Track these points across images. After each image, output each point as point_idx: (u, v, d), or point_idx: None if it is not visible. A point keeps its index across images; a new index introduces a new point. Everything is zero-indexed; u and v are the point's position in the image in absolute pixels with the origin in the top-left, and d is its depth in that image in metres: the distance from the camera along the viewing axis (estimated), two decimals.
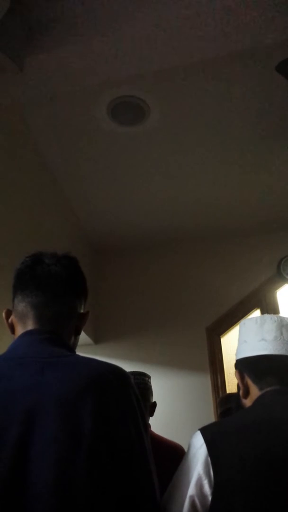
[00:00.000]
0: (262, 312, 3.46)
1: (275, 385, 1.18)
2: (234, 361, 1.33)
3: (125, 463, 0.89)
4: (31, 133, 2.57)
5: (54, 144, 2.67)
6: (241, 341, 1.31)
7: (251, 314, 3.52)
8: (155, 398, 2.05)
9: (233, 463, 0.99)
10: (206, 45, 1.89)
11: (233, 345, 1.40)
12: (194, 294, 3.60)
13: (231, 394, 2.61)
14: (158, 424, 2.15)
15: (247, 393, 1.24)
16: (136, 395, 0.98)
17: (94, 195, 3.17)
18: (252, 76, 2.25)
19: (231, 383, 3.30)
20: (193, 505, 0.99)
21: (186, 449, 1.12)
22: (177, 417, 3.13)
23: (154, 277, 3.73)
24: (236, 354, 1.32)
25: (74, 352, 1.09)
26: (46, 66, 1.95)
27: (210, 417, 3.09)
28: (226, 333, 3.53)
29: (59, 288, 1.09)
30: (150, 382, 2.04)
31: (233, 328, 3.48)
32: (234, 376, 1.31)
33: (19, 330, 1.07)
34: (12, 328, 1.11)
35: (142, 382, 1.96)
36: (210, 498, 0.98)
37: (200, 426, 1.11)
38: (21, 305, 1.08)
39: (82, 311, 1.16)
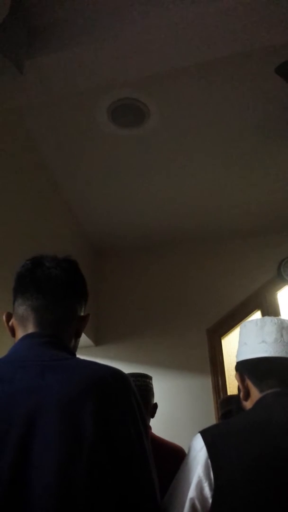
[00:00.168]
0: (263, 314, 3.46)
1: (276, 387, 1.18)
2: (235, 363, 1.33)
3: (125, 464, 0.89)
4: (31, 136, 2.58)
5: (54, 146, 2.68)
6: (241, 343, 1.31)
7: (251, 315, 3.51)
8: (156, 399, 2.05)
9: (234, 465, 0.99)
10: (206, 47, 1.89)
11: (234, 346, 1.40)
12: (194, 296, 3.60)
13: (232, 396, 2.60)
14: (159, 425, 2.15)
15: (247, 395, 1.25)
16: (136, 397, 0.98)
17: (94, 196, 3.18)
18: (252, 78, 2.26)
19: (232, 385, 3.30)
20: (193, 507, 0.99)
21: (186, 451, 1.12)
22: (178, 418, 3.13)
23: (155, 279, 3.74)
24: (236, 356, 1.33)
25: (75, 355, 1.09)
26: (46, 69, 1.95)
27: (211, 419, 3.09)
28: (227, 335, 3.53)
29: (60, 291, 1.09)
30: (151, 384, 2.03)
31: (234, 329, 3.48)
32: (235, 378, 1.31)
33: (20, 333, 1.08)
34: (12, 331, 1.11)
35: (143, 384, 1.96)
36: (210, 500, 0.98)
37: (201, 427, 1.12)
38: (22, 308, 1.09)
39: (82, 314, 1.16)
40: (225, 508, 0.97)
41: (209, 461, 1.01)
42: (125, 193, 3.15)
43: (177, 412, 3.21)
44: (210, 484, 1.00)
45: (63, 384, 0.92)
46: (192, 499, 1.00)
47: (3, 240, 2.11)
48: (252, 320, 1.32)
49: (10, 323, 1.12)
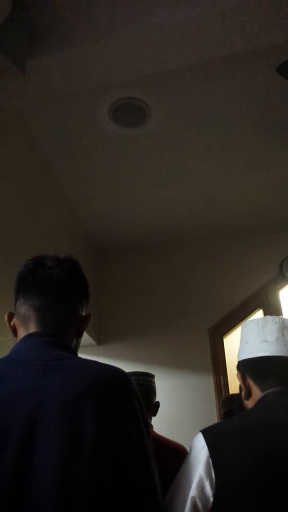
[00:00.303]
0: (265, 313, 3.46)
1: (277, 386, 1.18)
2: (237, 362, 1.33)
3: (127, 464, 0.89)
4: (33, 135, 2.58)
5: (56, 146, 2.69)
6: (243, 342, 1.32)
7: (253, 314, 3.51)
8: (157, 398, 2.05)
9: (234, 464, 1.00)
10: (207, 47, 1.89)
11: (236, 345, 1.40)
12: (196, 295, 3.61)
13: (233, 395, 2.61)
14: (160, 424, 2.16)
15: (249, 394, 1.25)
16: (137, 397, 0.98)
17: (95, 196, 3.18)
18: (253, 77, 2.26)
19: (234, 384, 3.30)
20: (194, 506, 1.00)
21: (188, 450, 1.12)
22: (179, 417, 3.14)
23: (156, 278, 3.74)
24: (238, 356, 1.33)
25: (76, 354, 1.09)
26: (48, 69, 1.96)
27: (212, 418, 3.10)
28: (228, 334, 3.53)
29: (61, 291, 1.10)
30: (154, 382, 2.03)
31: (235, 328, 3.48)
32: (236, 377, 1.31)
33: (21, 333, 1.08)
34: (14, 331, 1.12)
35: (145, 384, 1.96)
36: (211, 499, 0.99)
37: (203, 426, 1.12)
38: (23, 308, 1.09)
39: (84, 313, 1.17)
40: (226, 507, 0.97)
41: (210, 460, 1.02)
42: (126, 192, 3.16)
43: (179, 411, 3.21)
44: (211, 483, 1.00)
45: (64, 383, 0.93)
46: (193, 498, 1.00)
47: (4, 240, 2.12)
48: (253, 320, 1.32)
49: (12, 322, 1.12)
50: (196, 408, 3.27)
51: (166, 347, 3.49)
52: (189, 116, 2.50)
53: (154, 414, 2.00)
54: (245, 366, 1.27)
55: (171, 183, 3.06)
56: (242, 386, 1.27)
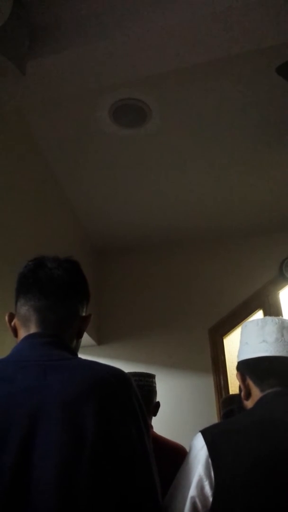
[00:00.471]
0: (265, 313, 3.46)
1: (276, 386, 1.19)
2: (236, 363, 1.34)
3: (127, 464, 0.90)
4: (33, 136, 2.58)
5: (56, 147, 2.69)
6: (242, 343, 1.32)
7: (253, 315, 3.52)
8: (158, 398, 2.06)
9: (234, 464, 1.00)
10: (208, 48, 1.90)
11: (236, 346, 1.41)
12: (196, 295, 3.61)
13: (233, 395, 2.61)
14: (160, 424, 2.16)
15: (248, 394, 1.25)
16: (137, 397, 0.99)
17: (96, 196, 3.19)
18: (253, 78, 2.26)
19: (234, 384, 3.30)
20: (194, 506, 1.00)
21: (187, 450, 1.13)
22: (179, 417, 3.14)
23: (156, 278, 3.74)
24: (237, 356, 1.34)
25: (76, 355, 1.10)
26: (48, 70, 1.96)
27: (213, 418, 3.10)
28: (228, 334, 3.53)
29: (61, 292, 1.10)
30: (154, 383, 2.04)
31: (235, 329, 3.48)
32: (236, 377, 1.32)
33: (22, 334, 1.09)
34: (15, 331, 1.12)
35: (146, 384, 1.96)
36: (211, 499, 0.99)
37: (203, 427, 1.12)
38: (24, 309, 1.10)
39: (84, 314, 1.17)
40: (225, 507, 0.98)
41: (209, 460, 1.02)
42: (126, 193, 3.16)
43: (179, 411, 3.21)
44: (210, 483, 1.00)
45: (64, 384, 0.93)
46: (193, 498, 1.01)
47: (4, 241, 2.12)
48: (253, 320, 1.33)
49: (12, 323, 1.13)
50: (196, 408, 3.27)
51: (166, 348, 3.49)
52: (189, 117, 2.51)
53: (155, 414, 2.01)
54: (244, 367, 1.28)
55: (171, 183, 3.07)
56: (241, 386, 1.27)
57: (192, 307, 3.58)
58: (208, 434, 1.07)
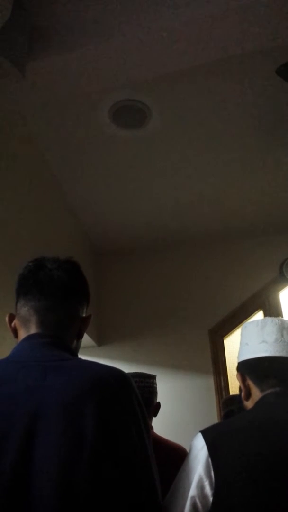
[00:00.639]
0: (265, 314, 3.46)
1: (276, 386, 1.19)
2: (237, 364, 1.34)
3: (126, 464, 0.90)
4: (33, 137, 2.59)
5: (56, 148, 2.69)
6: (242, 343, 1.33)
7: (254, 315, 3.52)
8: (158, 399, 2.06)
9: (234, 464, 1.00)
10: (207, 49, 1.90)
11: (236, 346, 1.41)
12: (196, 296, 3.61)
13: (233, 396, 2.61)
14: (161, 425, 2.16)
15: (248, 395, 1.25)
16: (137, 397, 0.99)
17: (96, 197, 3.19)
18: (253, 79, 2.26)
19: (234, 385, 3.30)
20: (194, 506, 1.00)
21: (188, 451, 1.13)
22: (180, 418, 3.14)
23: (157, 279, 3.74)
24: (237, 357, 1.34)
25: (76, 355, 1.10)
26: (48, 71, 1.96)
27: (213, 419, 3.10)
28: (229, 335, 3.53)
29: (61, 293, 1.11)
30: (155, 384, 2.03)
31: (236, 329, 3.48)
32: (236, 378, 1.32)
33: (22, 334, 1.09)
34: (15, 332, 1.13)
35: (146, 386, 1.96)
36: (211, 499, 0.99)
37: (203, 427, 1.13)
38: (24, 310, 1.10)
39: (84, 314, 1.17)
40: (225, 507, 0.98)
41: (209, 460, 1.02)
42: (126, 194, 3.16)
43: (180, 412, 3.21)
44: (210, 483, 1.00)
45: (64, 384, 0.93)
46: (193, 498, 1.01)
47: (4, 241, 2.12)
48: (253, 321, 1.33)
49: (12, 324, 1.13)
50: (197, 409, 3.27)
51: (167, 348, 3.49)
52: (189, 118, 2.51)
53: (155, 415, 2.01)
54: (244, 367, 1.28)
55: (171, 184, 3.07)
56: (241, 386, 1.28)
57: (192, 308, 3.58)
58: (208, 434, 1.08)
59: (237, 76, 2.25)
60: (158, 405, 2.01)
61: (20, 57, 1.78)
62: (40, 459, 0.85)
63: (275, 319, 1.30)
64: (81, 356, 1.11)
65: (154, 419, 2.01)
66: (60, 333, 1.08)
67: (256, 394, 1.22)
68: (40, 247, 2.20)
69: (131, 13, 1.81)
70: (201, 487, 1.01)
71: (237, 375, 1.31)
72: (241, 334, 1.35)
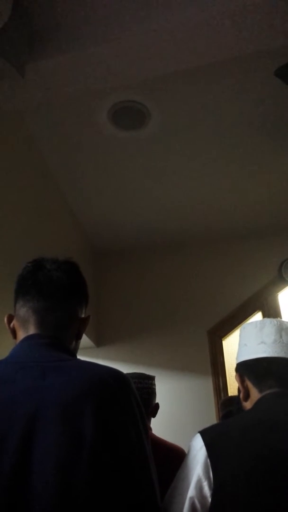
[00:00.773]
0: (264, 315, 3.47)
1: (275, 387, 1.19)
2: (235, 364, 1.34)
3: (125, 465, 0.90)
4: (32, 138, 2.59)
5: (55, 149, 2.69)
6: (241, 344, 1.33)
7: (252, 316, 3.52)
8: (157, 400, 2.06)
9: (233, 464, 1.01)
10: (207, 50, 1.90)
11: (235, 347, 1.41)
12: (195, 297, 3.61)
13: (232, 397, 2.61)
14: (160, 426, 2.16)
15: (247, 395, 1.26)
16: (136, 398, 0.99)
17: (95, 198, 3.19)
18: (252, 80, 2.26)
19: (233, 386, 3.30)
20: (193, 506, 1.00)
21: (186, 452, 1.13)
22: (178, 419, 3.14)
23: (156, 280, 3.75)
24: (236, 358, 1.34)
25: (75, 356, 1.10)
26: (47, 72, 1.96)
27: (212, 420, 3.10)
28: (227, 336, 3.53)
29: (60, 294, 1.11)
30: (154, 385, 2.03)
31: (234, 330, 3.48)
32: (235, 379, 1.32)
33: (21, 335, 1.09)
34: (13, 333, 1.13)
35: (145, 387, 1.96)
36: (209, 499, 1.00)
37: (202, 428, 1.13)
38: (23, 310, 1.10)
39: (83, 315, 1.17)
40: (224, 507, 0.98)
41: (208, 460, 1.02)
42: (125, 195, 3.16)
43: (178, 413, 3.21)
44: (209, 483, 1.01)
45: (63, 385, 0.93)
46: (191, 498, 1.01)
47: (4, 242, 2.12)
48: (251, 322, 1.34)
49: (11, 325, 1.13)
50: (195, 410, 3.27)
51: (165, 349, 3.49)
52: (189, 119, 2.51)
53: (154, 416, 2.01)
54: (243, 368, 1.28)
55: (170, 185, 3.07)
56: (240, 387, 1.28)
57: (191, 309, 3.58)
58: (207, 435, 1.08)
59: (236, 77, 2.25)
60: (157, 406, 2.01)
61: (19, 58, 1.78)
62: (40, 459, 0.85)
63: (274, 320, 1.30)
64: (80, 356, 1.11)
65: (152, 420, 2.01)
66: (59, 334, 1.08)
67: (255, 395, 1.22)
68: (40, 247, 2.20)
69: (131, 15, 1.81)
70: (199, 488, 1.01)
71: (235, 376, 1.31)
72: (240, 335, 1.35)
